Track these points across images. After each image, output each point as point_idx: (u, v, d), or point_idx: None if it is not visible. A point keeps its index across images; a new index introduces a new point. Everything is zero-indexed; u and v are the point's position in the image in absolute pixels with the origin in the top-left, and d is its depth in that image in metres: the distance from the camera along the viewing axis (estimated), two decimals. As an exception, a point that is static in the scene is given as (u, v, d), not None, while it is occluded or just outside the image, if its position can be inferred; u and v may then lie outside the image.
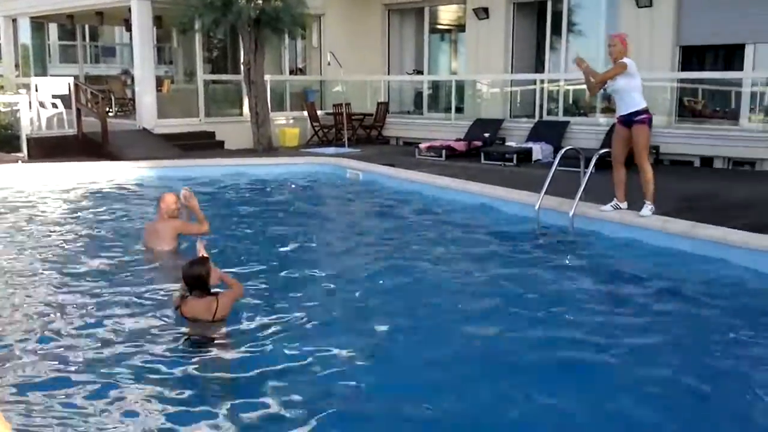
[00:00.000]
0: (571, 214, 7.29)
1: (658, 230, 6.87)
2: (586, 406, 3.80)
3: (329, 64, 15.17)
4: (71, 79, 13.86)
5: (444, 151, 12.69)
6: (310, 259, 6.77)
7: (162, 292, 5.49)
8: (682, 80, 12.62)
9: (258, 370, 4.14)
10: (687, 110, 12.76)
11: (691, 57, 12.82)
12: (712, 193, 8.86)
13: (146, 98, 14.08)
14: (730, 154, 11.31)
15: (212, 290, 4.82)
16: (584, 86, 13.20)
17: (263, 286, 5.67)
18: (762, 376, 4.12)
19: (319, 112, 15.87)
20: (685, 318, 5.10)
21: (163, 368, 4.20)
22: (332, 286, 5.79)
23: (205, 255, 4.91)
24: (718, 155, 11.43)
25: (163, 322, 4.88)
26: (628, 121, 7.23)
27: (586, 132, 12.58)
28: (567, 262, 6.49)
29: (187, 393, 3.91)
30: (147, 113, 14.07)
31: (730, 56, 12.46)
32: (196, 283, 4.72)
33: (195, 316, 4.72)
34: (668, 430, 3.63)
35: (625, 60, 7.12)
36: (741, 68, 12.04)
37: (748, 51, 11.95)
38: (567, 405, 3.79)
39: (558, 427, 3.64)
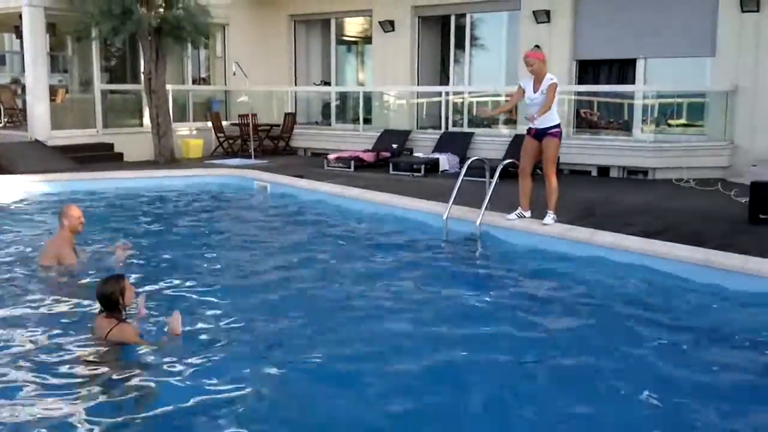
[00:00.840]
0: (477, 222, 7.45)
1: (561, 237, 7.11)
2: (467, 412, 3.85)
3: (234, 73, 14.91)
4: (-45, 88, 13.06)
5: (353, 162, 12.69)
6: (210, 275, 6.48)
7: (49, 309, 5.24)
8: (578, 93, 13.17)
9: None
10: (584, 122, 13.32)
11: (587, 70, 13.39)
12: (609, 201, 9.25)
13: (39, 108, 13.38)
14: (624, 163, 11.87)
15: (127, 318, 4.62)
16: (487, 98, 13.83)
17: (161, 303, 5.42)
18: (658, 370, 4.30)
19: (224, 123, 15.55)
20: (584, 321, 5.25)
21: (51, 381, 4.03)
22: (229, 301, 5.57)
23: (142, 304, 4.69)
24: (614, 165, 11.97)
25: (59, 339, 4.62)
26: (542, 134, 7.44)
27: (490, 143, 12.89)
28: (474, 268, 6.60)
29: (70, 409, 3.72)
30: (40, 124, 13.37)
31: (624, 70, 13.09)
32: (105, 301, 4.53)
33: (95, 334, 4.55)
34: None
35: (555, 80, 7.32)
36: (633, 82, 12.68)
37: (639, 65, 12.62)
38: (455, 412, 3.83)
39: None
